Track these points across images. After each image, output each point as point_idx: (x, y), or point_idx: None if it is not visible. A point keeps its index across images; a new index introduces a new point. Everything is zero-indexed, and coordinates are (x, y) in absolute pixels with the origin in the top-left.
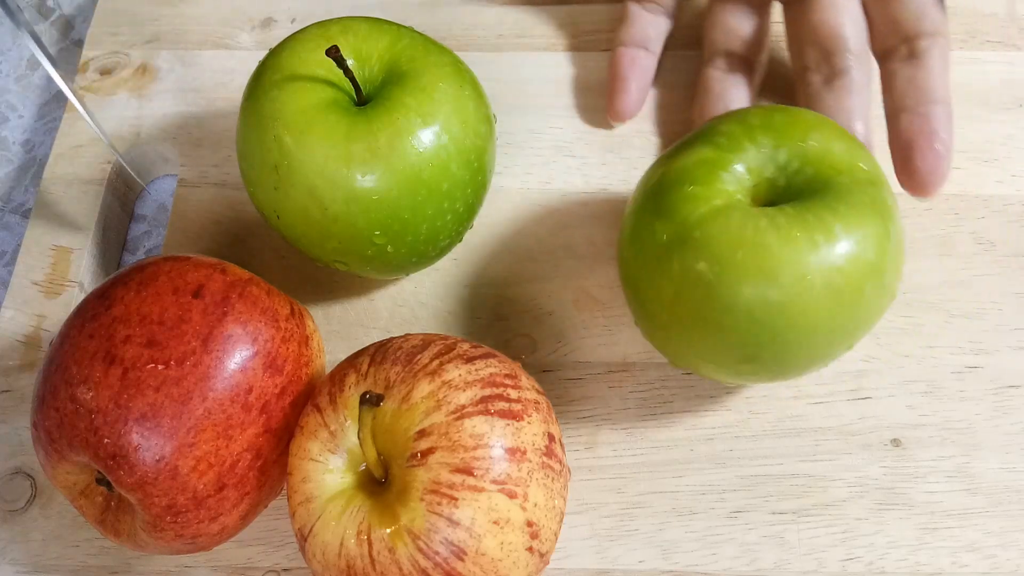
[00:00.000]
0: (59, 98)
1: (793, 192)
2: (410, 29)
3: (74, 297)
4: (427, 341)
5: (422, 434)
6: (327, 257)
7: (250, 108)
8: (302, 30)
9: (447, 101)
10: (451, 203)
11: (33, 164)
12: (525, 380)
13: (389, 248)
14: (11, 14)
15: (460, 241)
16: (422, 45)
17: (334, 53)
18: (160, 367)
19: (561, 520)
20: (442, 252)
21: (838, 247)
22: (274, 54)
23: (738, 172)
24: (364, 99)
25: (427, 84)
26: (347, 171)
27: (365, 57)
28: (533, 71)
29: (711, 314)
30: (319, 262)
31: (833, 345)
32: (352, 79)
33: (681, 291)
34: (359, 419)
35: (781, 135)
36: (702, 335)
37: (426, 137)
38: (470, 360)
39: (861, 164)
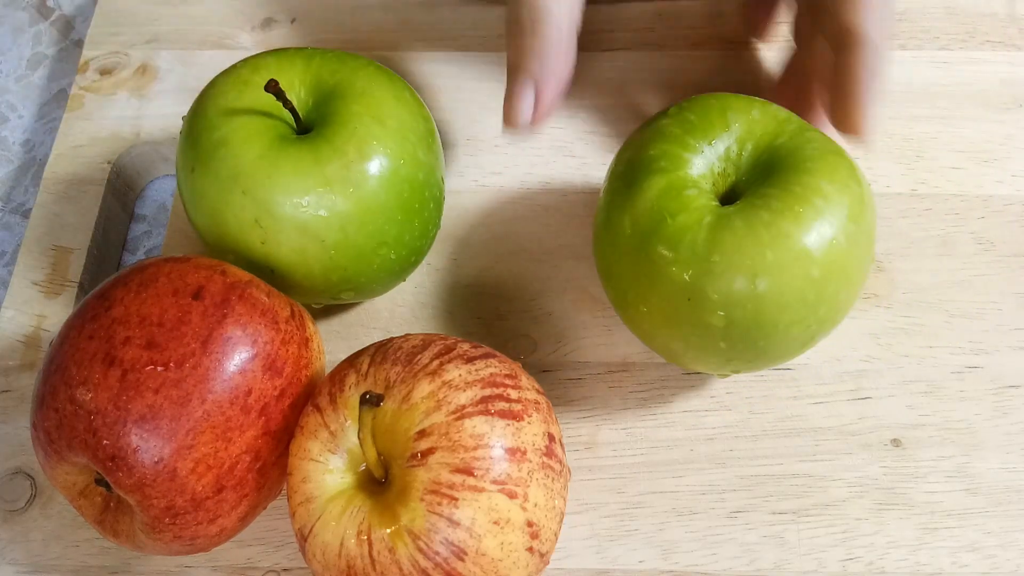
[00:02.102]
0: (59, 98)
1: (751, 178)
2: (315, 48)
3: (74, 297)
4: (427, 341)
5: (422, 434)
6: (333, 291)
7: (202, 176)
8: (211, 84)
9: (389, 97)
10: (430, 190)
11: (33, 164)
12: (525, 380)
13: (392, 255)
14: None
15: (439, 228)
16: (335, 57)
17: (273, 87)
18: (159, 369)
19: (561, 520)
20: (430, 244)
21: (807, 233)
22: (198, 117)
23: (696, 180)
24: (305, 125)
25: (363, 88)
26: (332, 195)
27: (287, 85)
28: None
29: (692, 316)
30: (319, 301)
31: (824, 323)
32: (292, 109)
33: (659, 296)
34: (359, 419)
35: (711, 130)
36: (683, 333)
37: (390, 134)
38: (470, 360)
39: (806, 133)
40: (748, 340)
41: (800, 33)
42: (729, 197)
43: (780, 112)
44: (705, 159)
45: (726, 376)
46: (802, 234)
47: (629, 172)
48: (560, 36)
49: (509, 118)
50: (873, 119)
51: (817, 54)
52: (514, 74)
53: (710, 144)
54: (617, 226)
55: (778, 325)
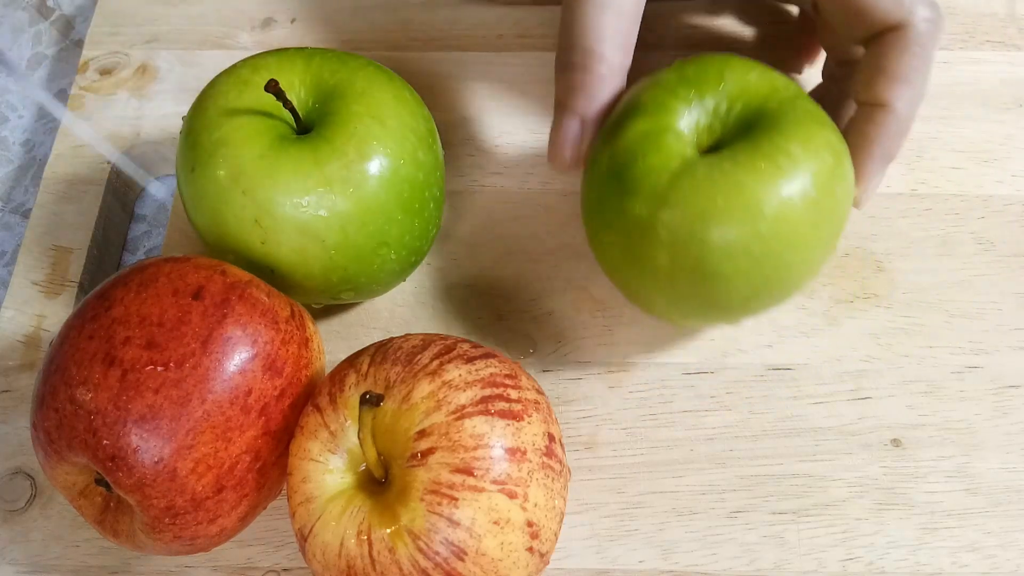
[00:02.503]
0: (59, 98)
1: (733, 135)
2: (315, 48)
3: (74, 297)
4: (427, 341)
5: (422, 434)
6: (333, 291)
7: (202, 177)
8: (211, 84)
9: (389, 96)
10: (430, 190)
11: (33, 164)
12: (525, 380)
13: (392, 255)
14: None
15: (439, 228)
16: (335, 57)
17: (274, 87)
18: (159, 369)
19: (561, 520)
20: (430, 244)
21: (762, 187)
22: (198, 117)
23: (679, 129)
24: (305, 125)
25: (363, 88)
26: (332, 195)
27: (288, 86)
28: (534, 71)
29: (643, 254)
30: (319, 301)
31: (769, 283)
32: (292, 109)
33: (618, 231)
34: (359, 419)
35: (705, 85)
36: (636, 271)
37: (390, 134)
38: (470, 360)
39: (798, 101)
40: (692, 285)
41: (827, 73)
42: (711, 151)
43: (779, 79)
44: (693, 112)
45: (687, 328)
46: (756, 187)
47: (619, 114)
48: (612, 74)
49: (555, 156)
50: (877, 183)
51: (843, 95)
52: (561, 110)
53: (701, 98)
54: (598, 162)
55: (719, 274)
